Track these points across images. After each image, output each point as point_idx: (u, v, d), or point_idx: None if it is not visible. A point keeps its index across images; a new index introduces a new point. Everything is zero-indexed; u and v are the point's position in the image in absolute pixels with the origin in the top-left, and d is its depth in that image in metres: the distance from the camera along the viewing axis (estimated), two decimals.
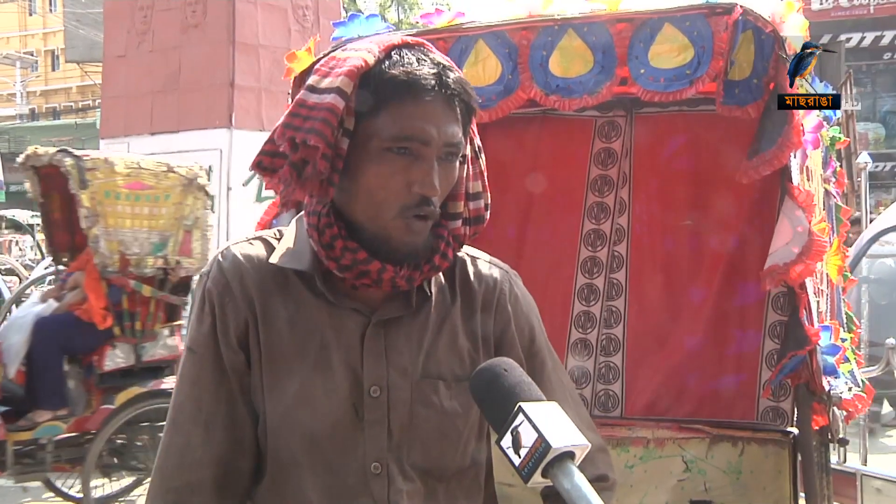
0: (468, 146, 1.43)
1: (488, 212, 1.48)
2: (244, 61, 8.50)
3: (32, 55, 42.66)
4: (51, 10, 41.38)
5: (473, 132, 1.45)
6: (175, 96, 8.71)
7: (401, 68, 1.32)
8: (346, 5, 18.05)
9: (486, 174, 1.48)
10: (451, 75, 1.35)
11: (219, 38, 8.52)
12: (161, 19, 8.89)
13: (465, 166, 1.43)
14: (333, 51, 1.40)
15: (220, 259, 1.41)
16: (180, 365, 1.44)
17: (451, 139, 1.34)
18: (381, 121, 1.32)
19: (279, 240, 1.45)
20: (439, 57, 1.37)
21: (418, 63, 1.33)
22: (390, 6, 34.31)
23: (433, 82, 1.32)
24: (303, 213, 1.44)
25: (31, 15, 43.91)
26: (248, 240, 1.45)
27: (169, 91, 8.74)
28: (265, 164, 1.40)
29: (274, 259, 1.41)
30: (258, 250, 1.43)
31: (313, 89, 1.35)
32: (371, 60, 1.33)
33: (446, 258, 1.42)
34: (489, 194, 1.48)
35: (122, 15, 9.22)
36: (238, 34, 8.50)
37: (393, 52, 1.35)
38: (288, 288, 1.40)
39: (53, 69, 44.30)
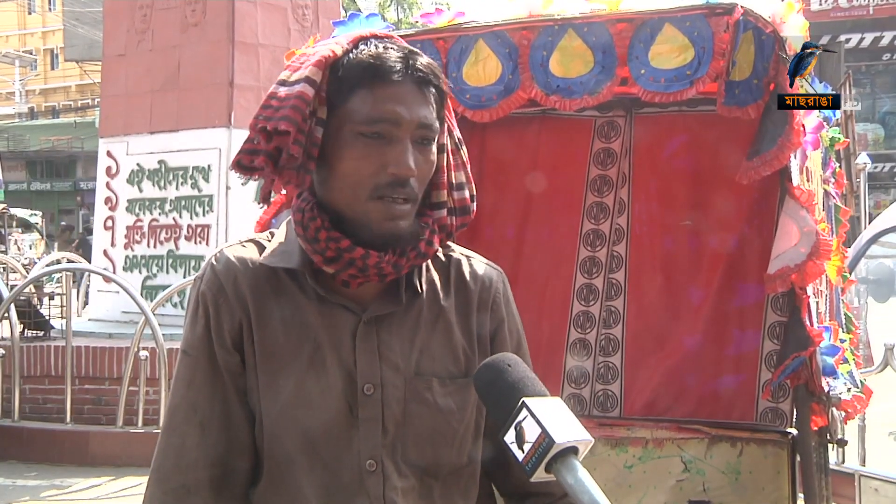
0: (447, 136, 1.45)
1: (475, 203, 1.50)
2: (244, 60, 8.49)
3: (31, 54, 42.66)
4: (50, 9, 41.38)
5: (452, 124, 1.47)
6: (174, 95, 8.70)
7: (367, 53, 1.36)
8: (345, 5, 18.06)
9: (468, 166, 1.49)
10: (420, 59, 1.38)
11: (218, 37, 8.51)
12: (160, 18, 8.88)
13: (446, 156, 1.45)
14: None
15: (214, 262, 1.43)
16: (176, 368, 1.45)
17: (423, 120, 1.36)
18: (351, 106, 1.35)
19: (269, 242, 1.46)
20: (407, 46, 1.40)
21: (385, 49, 1.37)
22: (390, 5, 34.32)
23: (400, 65, 1.35)
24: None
25: (30, 13, 43.91)
26: (241, 242, 1.47)
27: (168, 90, 8.73)
28: (244, 163, 1.41)
29: (263, 259, 1.42)
30: (251, 252, 1.44)
31: (284, 83, 1.38)
32: (339, 51, 1.37)
33: (432, 245, 1.42)
34: (474, 185, 1.50)
35: (121, 14, 9.21)
36: (237, 33, 8.49)
37: (360, 43, 1.39)
38: (281, 288, 1.41)
39: (52, 68, 44.29)
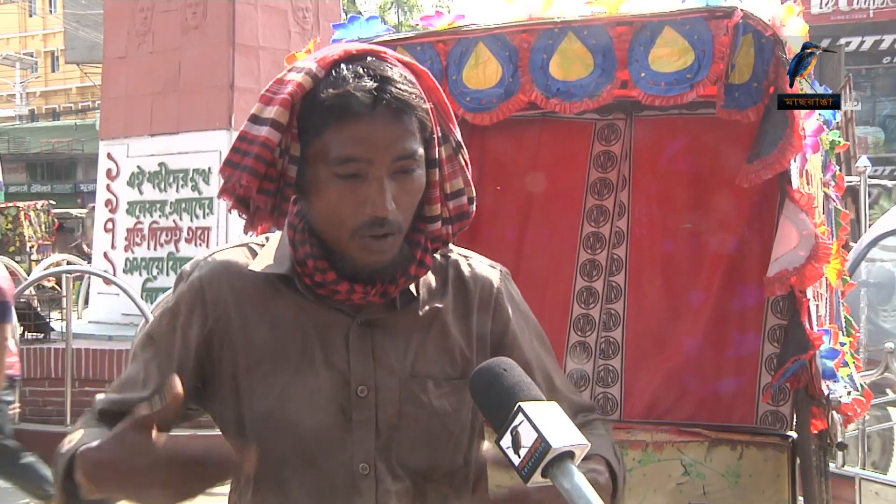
0: (439, 148, 1.41)
1: (474, 205, 1.47)
2: (244, 63, 8.50)
3: (32, 56, 42.71)
4: (51, 12, 41.41)
5: (450, 128, 1.43)
6: (175, 98, 8.70)
7: (335, 89, 1.29)
8: (346, 7, 18.06)
9: (468, 168, 1.46)
10: (393, 88, 1.30)
11: (219, 39, 8.51)
12: (161, 21, 8.88)
13: (438, 170, 1.40)
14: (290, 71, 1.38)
15: (202, 263, 1.43)
16: (133, 348, 1.47)
17: (402, 153, 1.31)
18: (322, 143, 1.30)
19: (262, 246, 1.46)
20: (386, 67, 1.32)
21: (356, 79, 1.29)
22: (390, 8, 34.38)
23: (369, 99, 1.28)
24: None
25: (31, 16, 43.94)
26: (233, 246, 1.47)
27: (169, 92, 8.74)
28: (227, 198, 1.40)
29: (255, 266, 1.42)
30: (240, 257, 1.44)
31: (255, 119, 1.35)
32: (308, 83, 1.31)
33: (423, 265, 1.41)
34: (473, 188, 1.47)
35: (122, 16, 9.22)
36: (238, 36, 8.49)
37: (332, 69, 1.32)
38: (272, 293, 1.40)
39: (53, 70, 44.32)
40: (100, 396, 1.43)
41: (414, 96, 1.33)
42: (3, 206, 17.56)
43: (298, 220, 1.39)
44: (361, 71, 1.30)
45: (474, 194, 1.48)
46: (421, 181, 1.36)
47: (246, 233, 1.48)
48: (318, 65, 1.32)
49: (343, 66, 1.31)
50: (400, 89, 1.31)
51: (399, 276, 1.37)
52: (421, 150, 1.35)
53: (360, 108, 1.28)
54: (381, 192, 1.30)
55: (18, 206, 17.11)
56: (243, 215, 1.41)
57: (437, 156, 1.40)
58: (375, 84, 1.29)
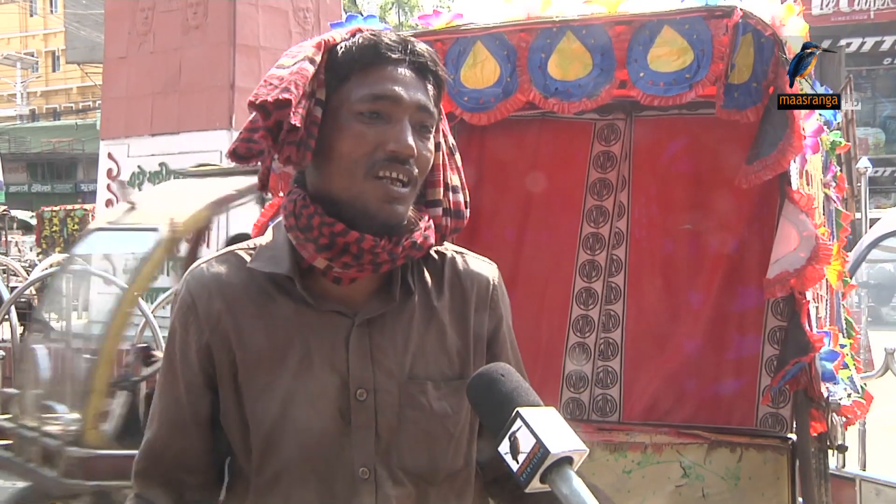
0: (442, 137, 1.44)
1: (468, 209, 1.48)
2: (245, 63, 8.51)
3: (33, 56, 42.73)
4: (52, 11, 41.42)
5: (446, 129, 1.46)
6: (175, 98, 8.72)
7: (366, 36, 1.37)
8: (346, 7, 18.05)
9: (462, 172, 1.48)
10: (418, 44, 1.38)
11: (219, 39, 8.52)
12: (162, 21, 8.90)
13: (442, 155, 1.43)
14: None
15: (189, 278, 1.42)
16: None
17: (422, 103, 1.35)
18: (349, 87, 1.34)
19: (253, 250, 1.44)
20: (405, 37, 1.41)
21: (383, 34, 1.38)
22: (391, 8, 34.39)
23: (399, 47, 1.36)
24: (280, 217, 1.42)
25: (31, 16, 43.95)
26: (220, 254, 1.45)
27: (169, 92, 8.75)
28: (241, 152, 1.40)
29: (252, 264, 1.40)
30: (228, 265, 1.42)
31: (281, 66, 1.37)
32: (337, 37, 1.38)
33: (428, 239, 1.40)
34: (468, 192, 1.48)
35: (123, 16, 9.23)
36: (239, 36, 8.50)
37: (357, 33, 1.39)
38: (264, 297, 1.39)
39: (54, 70, 44.33)
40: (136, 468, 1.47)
41: (434, 57, 1.40)
42: (71, 208, 18.88)
43: (297, 195, 1.38)
44: (386, 32, 1.40)
45: (469, 199, 1.49)
46: (433, 147, 1.39)
47: (262, 189, 1.46)
48: (344, 30, 1.40)
49: (367, 32, 1.39)
50: (423, 47, 1.39)
51: (405, 239, 1.36)
52: (436, 114, 1.39)
53: (389, 52, 1.35)
54: (405, 131, 1.33)
55: (86, 209, 18.25)
56: (256, 159, 1.39)
57: (441, 140, 1.44)
58: (401, 38, 1.38)
